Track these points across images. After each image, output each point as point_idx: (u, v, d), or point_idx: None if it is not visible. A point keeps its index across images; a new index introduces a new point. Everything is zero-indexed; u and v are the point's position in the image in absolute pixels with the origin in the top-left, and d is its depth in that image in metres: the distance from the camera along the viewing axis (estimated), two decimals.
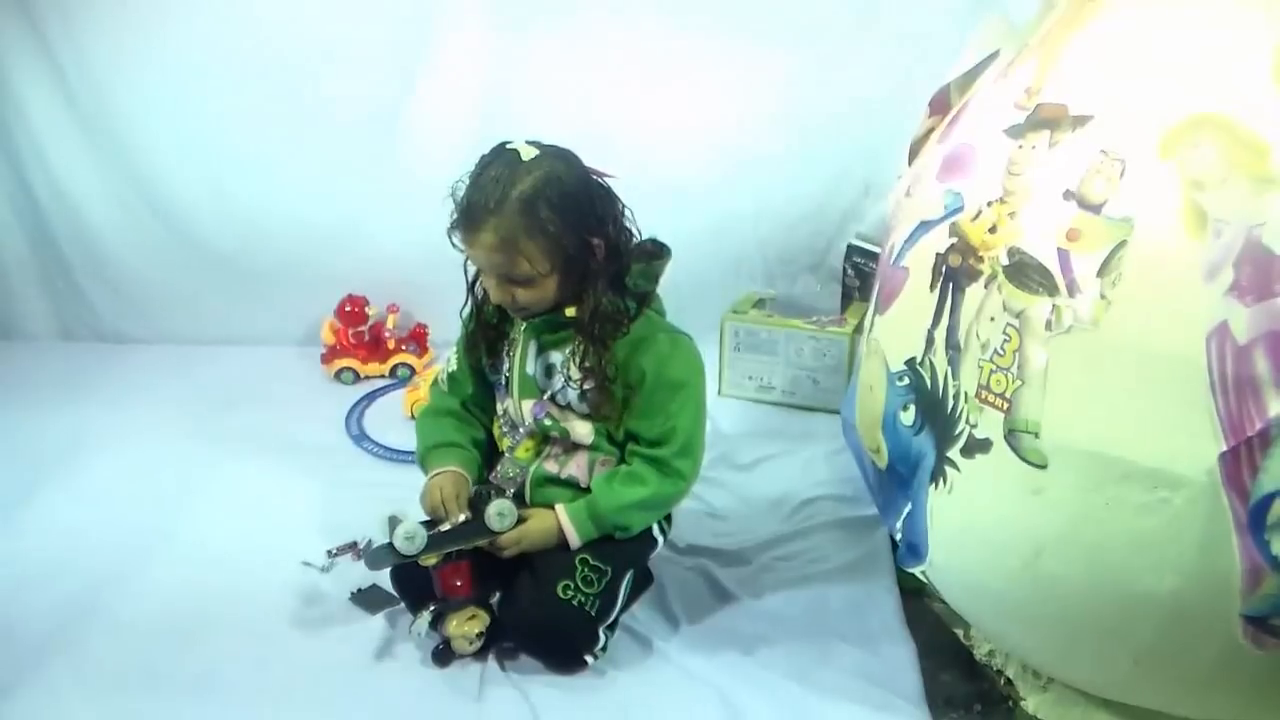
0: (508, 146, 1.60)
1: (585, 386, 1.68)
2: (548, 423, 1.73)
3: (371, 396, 2.73)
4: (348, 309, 2.84)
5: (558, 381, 1.71)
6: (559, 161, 1.59)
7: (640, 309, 1.69)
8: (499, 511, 1.67)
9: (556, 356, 1.71)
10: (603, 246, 1.62)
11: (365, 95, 2.75)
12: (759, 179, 2.86)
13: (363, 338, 2.86)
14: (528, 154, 1.57)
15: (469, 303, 1.77)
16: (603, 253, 1.62)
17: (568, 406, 1.72)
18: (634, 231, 1.70)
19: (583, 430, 1.73)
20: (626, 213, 1.68)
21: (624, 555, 1.74)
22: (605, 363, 1.65)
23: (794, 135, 2.81)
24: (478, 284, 1.73)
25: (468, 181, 1.60)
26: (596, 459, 1.74)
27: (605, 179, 1.66)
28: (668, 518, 1.84)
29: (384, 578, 1.73)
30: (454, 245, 1.62)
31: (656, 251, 1.77)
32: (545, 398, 1.72)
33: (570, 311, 1.65)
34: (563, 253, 1.59)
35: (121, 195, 2.87)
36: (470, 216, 1.57)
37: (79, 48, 2.71)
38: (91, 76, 2.73)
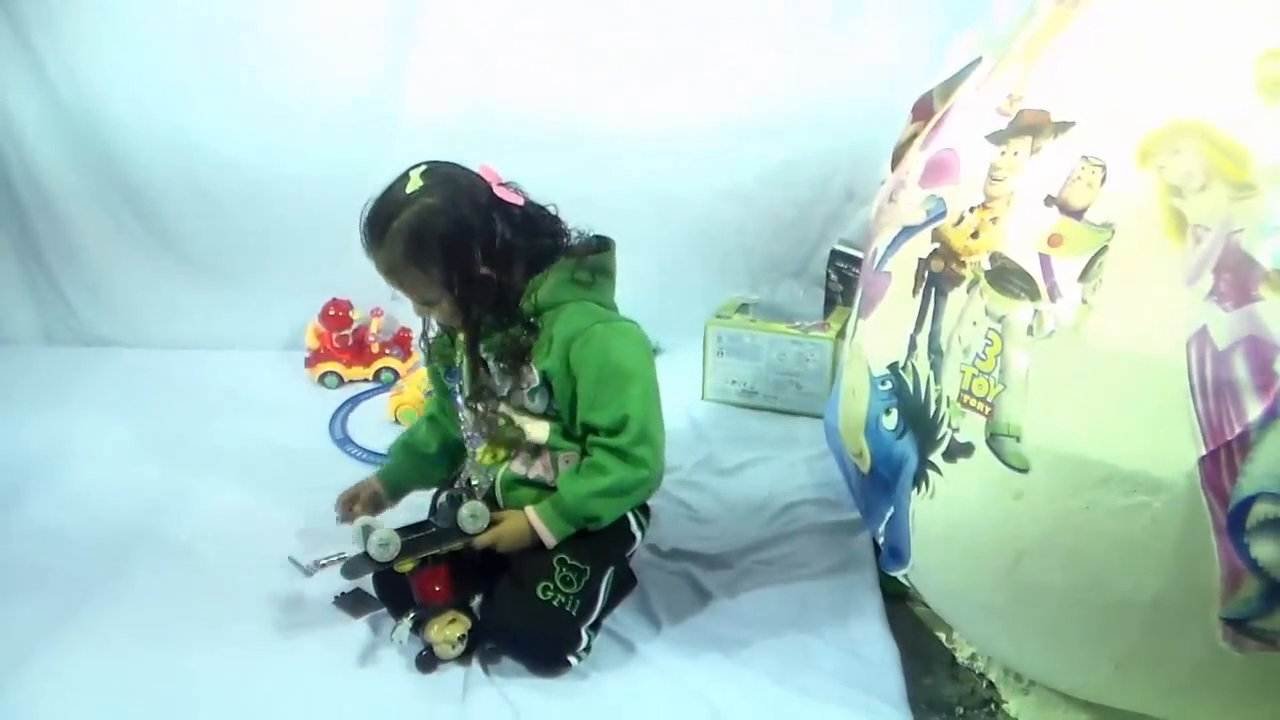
0: (409, 170, 1.65)
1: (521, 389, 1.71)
2: (501, 423, 1.74)
3: (355, 400, 2.73)
4: (332, 313, 2.85)
5: (506, 385, 1.73)
6: (436, 198, 1.62)
7: (529, 334, 1.70)
8: (471, 514, 1.68)
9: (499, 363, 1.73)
10: (488, 273, 1.65)
11: (351, 96, 2.76)
12: (743, 184, 2.87)
13: (346, 342, 2.86)
14: (412, 185, 1.62)
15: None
16: (490, 279, 1.66)
17: (521, 408, 1.73)
18: (560, 241, 1.73)
19: (538, 431, 1.74)
20: (547, 236, 1.71)
21: (602, 553, 1.75)
22: (485, 378, 1.73)
23: (777, 141, 2.82)
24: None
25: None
26: (559, 457, 1.75)
27: (516, 204, 1.67)
28: (646, 513, 1.85)
29: (367, 583, 1.74)
30: None
31: (598, 247, 1.78)
32: (495, 400, 1.75)
33: (460, 333, 1.73)
34: (444, 283, 1.64)
35: (105, 199, 2.87)
36: (364, 239, 1.66)
37: (61, 46, 2.71)
38: (75, 78, 2.73)
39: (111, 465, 2.33)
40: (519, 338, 1.68)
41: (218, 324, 3.00)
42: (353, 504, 1.83)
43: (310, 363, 2.85)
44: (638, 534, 1.83)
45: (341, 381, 2.82)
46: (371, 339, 2.87)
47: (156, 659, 1.70)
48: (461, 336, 1.75)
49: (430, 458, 1.92)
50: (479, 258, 1.64)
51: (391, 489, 1.89)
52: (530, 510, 1.71)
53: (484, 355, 1.72)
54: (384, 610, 1.75)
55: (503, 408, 1.74)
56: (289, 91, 2.75)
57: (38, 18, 2.68)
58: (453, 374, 1.82)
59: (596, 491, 1.69)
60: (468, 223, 1.62)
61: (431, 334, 1.84)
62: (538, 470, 1.76)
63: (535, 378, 1.69)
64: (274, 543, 1.97)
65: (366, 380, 2.85)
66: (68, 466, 2.32)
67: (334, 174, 2.81)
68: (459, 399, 1.80)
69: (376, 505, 1.85)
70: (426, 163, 1.66)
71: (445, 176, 1.65)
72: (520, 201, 1.68)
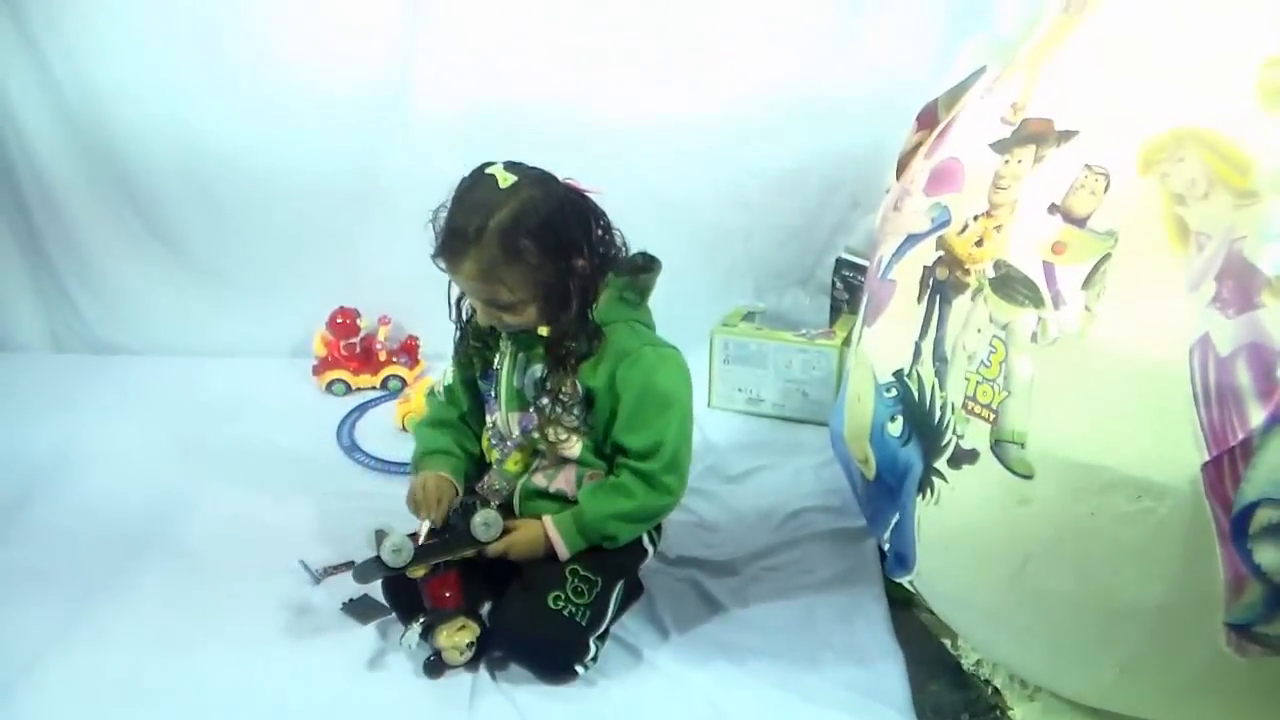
0: (486, 171, 1.61)
1: (564, 400, 1.70)
2: (535, 435, 1.74)
3: (363, 408, 2.73)
4: (339, 321, 2.85)
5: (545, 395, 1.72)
6: (536, 188, 1.60)
7: (596, 340, 1.69)
8: (484, 521, 1.68)
9: (543, 368, 1.71)
10: (586, 266, 1.64)
11: (357, 105, 2.76)
12: (749, 192, 2.88)
13: (354, 349, 2.86)
14: (505, 181, 1.58)
15: (456, 322, 1.80)
16: (587, 272, 1.64)
17: (555, 420, 1.73)
18: (620, 246, 1.72)
19: (571, 445, 1.74)
20: (615, 231, 1.70)
21: (614, 566, 1.75)
22: (561, 385, 1.69)
23: (783, 149, 2.82)
24: (463, 300, 1.75)
25: (448, 207, 1.61)
26: (585, 473, 1.75)
27: (589, 194, 1.67)
28: (658, 528, 1.85)
29: (375, 588, 1.74)
30: (440, 268, 1.64)
31: (646, 265, 1.78)
32: (533, 410, 1.73)
33: (543, 330, 1.68)
34: (543, 279, 1.61)
35: (113, 206, 2.88)
36: (451, 247, 1.59)
37: (68, 51, 2.71)
38: (81, 81, 2.73)
39: (119, 471, 2.34)
40: (591, 341, 1.68)
41: (225, 331, 3.00)
42: (432, 504, 1.72)
43: (318, 370, 2.85)
44: (650, 548, 1.84)
45: (349, 389, 2.82)
46: (379, 347, 2.87)
47: (165, 664, 1.70)
48: (509, 339, 1.74)
49: (478, 454, 1.87)
50: (584, 249, 1.63)
51: (456, 475, 1.80)
52: (549, 520, 1.72)
53: (531, 359, 1.72)
54: (392, 615, 1.75)
55: (539, 419, 1.74)
56: (296, 97, 2.74)
57: (43, 21, 2.68)
58: (488, 377, 1.81)
59: (619, 514, 1.70)
60: (569, 211, 1.62)
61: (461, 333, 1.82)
62: (559, 484, 1.76)
63: (579, 392, 1.70)
64: (281, 549, 1.98)
65: (374, 388, 2.85)
66: (76, 472, 2.32)
67: (342, 181, 2.82)
68: (493, 401, 1.79)
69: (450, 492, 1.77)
70: (501, 163, 1.62)
71: (532, 170, 1.63)
72: (594, 192, 1.68)
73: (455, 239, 1.58)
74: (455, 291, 1.73)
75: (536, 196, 1.58)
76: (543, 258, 1.58)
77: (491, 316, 1.66)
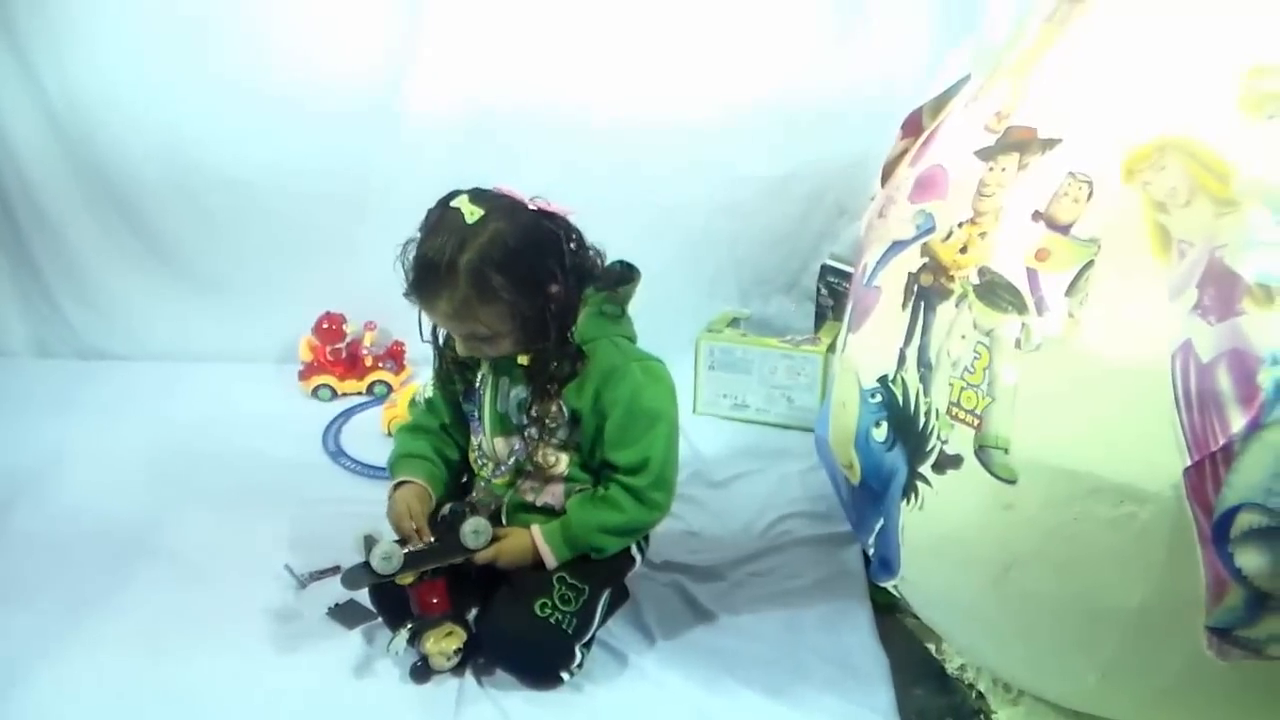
0: (451, 205, 1.57)
1: (550, 425, 1.70)
2: (524, 460, 1.75)
3: (348, 413, 2.73)
4: (325, 326, 2.85)
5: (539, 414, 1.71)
6: (504, 220, 1.56)
7: (579, 361, 1.68)
8: (474, 529, 1.68)
9: (525, 391, 1.71)
10: (561, 291, 1.62)
11: (344, 110, 2.76)
12: (735, 200, 2.89)
13: (340, 355, 2.86)
14: (472, 216, 1.55)
15: (432, 346, 1.79)
16: (563, 297, 1.62)
17: (544, 442, 1.73)
18: (596, 259, 1.71)
19: (560, 462, 1.74)
20: (589, 246, 1.69)
21: (602, 574, 1.75)
22: (546, 411, 1.68)
23: (770, 156, 2.83)
24: (436, 328, 1.74)
25: (416, 242, 1.59)
26: (573, 487, 1.75)
27: (560, 214, 1.65)
28: (645, 537, 1.85)
29: (362, 594, 1.74)
30: (412, 304, 1.62)
31: (625, 276, 1.78)
32: (524, 435, 1.73)
33: (523, 360, 1.67)
34: (519, 311, 1.59)
35: (99, 212, 2.87)
36: (422, 286, 1.57)
37: (56, 57, 2.71)
38: (69, 87, 2.73)
39: (105, 476, 2.33)
40: (574, 363, 1.67)
41: (211, 336, 2.99)
42: (422, 523, 1.70)
43: (304, 376, 2.85)
44: (638, 557, 1.84)
45: (335, 394, 2.82)
46: (365, 352, 2.87)
47: (151, 671, 1.69)
48: (489, 362, 1.73)
49: (457, 462, 1.86)
50: (558, 275, 1.61)
51: (432, 482, 1.79)
52: (536, 530, 1.72)
53: (513, 381, 1.71)
54: (378, 620, 1.75)
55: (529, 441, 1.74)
56: (282, 102, 2.74)
57: (32, 28, 2.68)
58: (470, 398, 1.80)
59: (606, 527, 1.71)
60: (540, 239, 1.59)
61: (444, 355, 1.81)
62: (546, 498, 1.76)
63: (565, 414, 1.69)
64: (267, 555, 1.97)
65: (360, 393, 2.84)
66: (62, 477, 2.31)
67: (329, 187, 2.82)
68: (477, 423, 1.79)
69: (427, 503, 1.75)
70: (463, 191, 1.59)
71: (495, 198, 1.59)
72: (565, 212, 1.65)
73: (426, 278, 1.56)
74: (427, 321, 1.70)
75: (504, 229, 1.55)
76: (516, 291, 1.57)
77: (471, 349, 1.65)
